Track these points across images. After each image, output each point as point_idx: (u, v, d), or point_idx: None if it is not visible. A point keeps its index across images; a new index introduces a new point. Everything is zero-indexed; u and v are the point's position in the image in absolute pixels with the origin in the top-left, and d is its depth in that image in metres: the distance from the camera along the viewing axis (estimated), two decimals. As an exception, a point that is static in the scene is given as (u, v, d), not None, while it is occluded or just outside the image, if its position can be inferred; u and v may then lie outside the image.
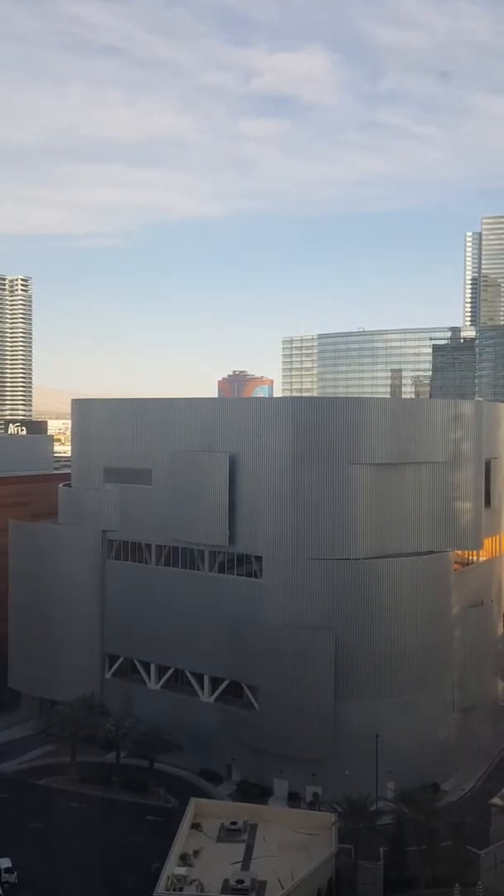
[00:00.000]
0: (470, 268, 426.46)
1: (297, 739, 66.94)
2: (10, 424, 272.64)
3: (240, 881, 50.71)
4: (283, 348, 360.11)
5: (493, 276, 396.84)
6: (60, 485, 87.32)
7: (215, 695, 73.43)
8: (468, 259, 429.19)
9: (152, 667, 77.69)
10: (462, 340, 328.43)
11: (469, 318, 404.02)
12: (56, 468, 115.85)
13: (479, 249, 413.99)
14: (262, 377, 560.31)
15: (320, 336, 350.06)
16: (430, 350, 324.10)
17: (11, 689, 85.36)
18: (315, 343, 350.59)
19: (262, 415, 71.88)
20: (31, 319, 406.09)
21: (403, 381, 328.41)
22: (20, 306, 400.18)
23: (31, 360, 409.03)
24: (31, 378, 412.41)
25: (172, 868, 51.66)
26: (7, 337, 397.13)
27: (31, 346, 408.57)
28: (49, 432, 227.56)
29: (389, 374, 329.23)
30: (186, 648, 74.36)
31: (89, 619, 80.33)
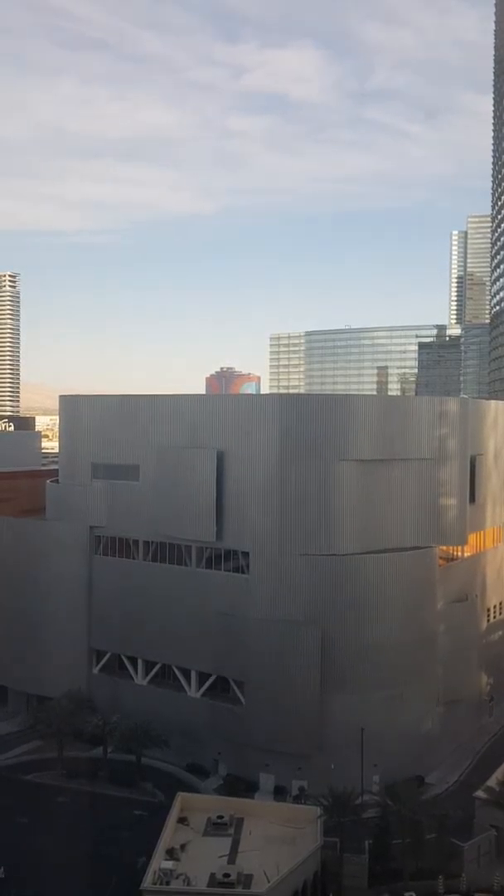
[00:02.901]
0: (456, 266, 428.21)
1: (283, 734, 67.41)
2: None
3: (226, 875, 51.01)
4: (271, 345, 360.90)
5: (478, 274, 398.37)
6: (48, 481, 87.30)
7: (202, 690, 73.76)
8: (454, 257, 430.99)
9: (139, 662, 77.94)
10: (448, 338, 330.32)
11: (455, 316, 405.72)
12: (43, 464, 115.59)
13: (465, 248, 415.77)
14: (249, 374, 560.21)
15: (307, 333, 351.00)
16: (416, 347, 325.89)
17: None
18: (302, 340, 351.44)
19: (250, 411, 72.19)
20: (18, 315, 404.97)
21: (390, 379, 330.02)
22: (8, 302, 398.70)
23: (18, 356, 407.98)
24: (18, 374, 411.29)
25: (159, 862, 51.91)
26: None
27: (18, 342, 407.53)
28: (37, 428, 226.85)
29: (376, 371, 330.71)
30: (173, 644, 74.63)
31: (76, 614, 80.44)
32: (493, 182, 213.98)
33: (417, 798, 59.02)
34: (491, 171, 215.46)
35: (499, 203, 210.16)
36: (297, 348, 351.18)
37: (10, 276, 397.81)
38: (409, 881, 54.00)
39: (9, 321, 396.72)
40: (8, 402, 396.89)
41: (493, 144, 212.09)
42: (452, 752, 74.42)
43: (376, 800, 60.66)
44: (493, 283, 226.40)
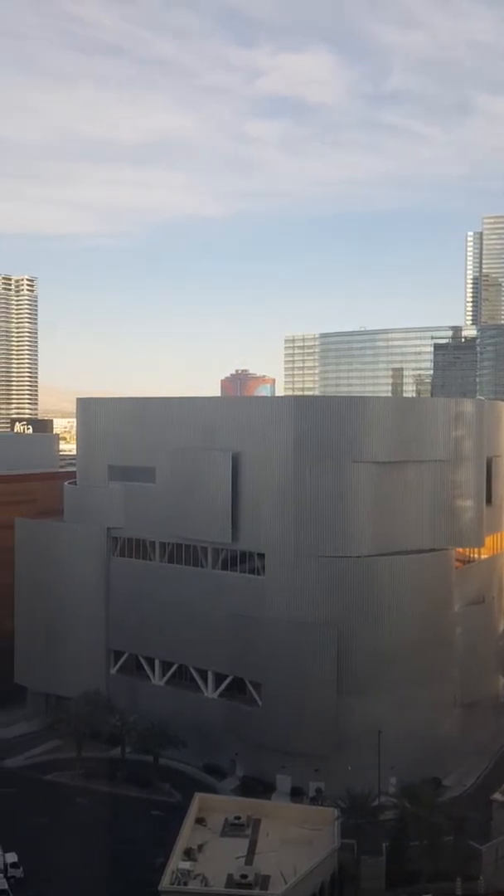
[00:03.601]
0: (471, 267, 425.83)
1: (299, 735, 67.49)
2: (16, 423, 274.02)
3: (243, 875, 51.23)
4: (286, 347, 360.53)
5: (494, 275, 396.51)
6: (66, 483, 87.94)
7: (219, 691, 74.00)
8: (469, 258, 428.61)
9: (157, 663, 78.32)
10: (463, 339, 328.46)
11: (470, 317, 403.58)
12: (61, 466, 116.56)
13: (481, 249, 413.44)
14: (264, 376, 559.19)
15: (322, 335, 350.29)
16: (431, 349, 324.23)
17: (18, 684, 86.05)
18: (317, 342, 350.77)
19: (265, 413, 72.43)
20: (36, 319, 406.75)
21: (405, 380, 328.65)
22: (26, 306, 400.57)
23: (36, 359, 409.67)
24: (36, 377, 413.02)
25: (177, 862, 52.21)
26: (13, 336, 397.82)
27: (36, 346, 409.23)
28: (54, 431, 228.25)
29: (391, 372, 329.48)
30: (190, 645, 74.93)
31: (94, 615, 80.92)
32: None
33: (435, 800, 58.94)
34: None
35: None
36: (311, 350, 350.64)
37: (28, 280, 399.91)
38: (426, 883, 53.96)
39: (27, 325, 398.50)
40: (26, 405, 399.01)
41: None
42: (470, 755, 74.14)
43: (393, 802, 60.60)
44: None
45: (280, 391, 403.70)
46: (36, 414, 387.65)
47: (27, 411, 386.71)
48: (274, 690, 69.13)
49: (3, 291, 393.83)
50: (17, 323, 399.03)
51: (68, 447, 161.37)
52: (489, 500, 76.75)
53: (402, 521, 70.67)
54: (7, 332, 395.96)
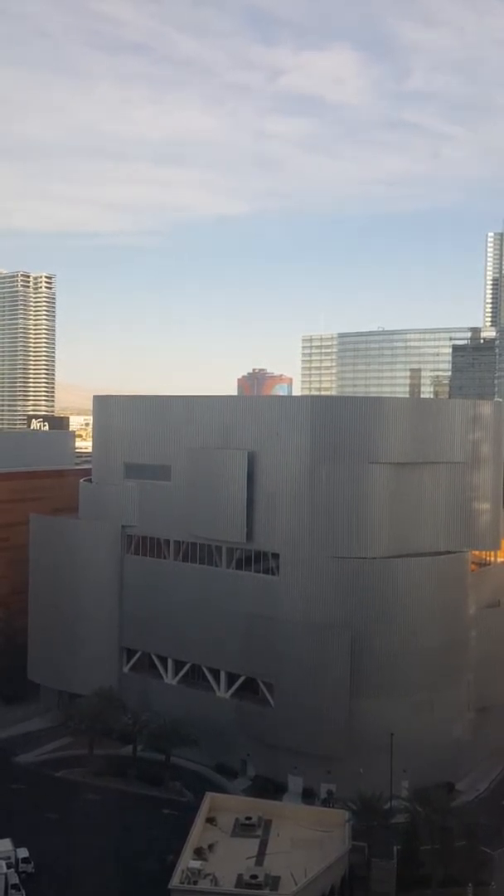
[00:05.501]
0: (491, 268, 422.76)
1: (311, 736, 67.23)
2: (33, 420, 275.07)
3: (253, 876, 51.10)
4: (303, 347, 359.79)
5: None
6: (81, 480, 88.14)
7: (231, 690, 73.88)
8: (489, 259, 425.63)
9: (169, 661, 78.31)
10: (482, 341, 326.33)
11: (489, 319, 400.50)
12: (77, 463, 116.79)
13: (501, 249, 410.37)
14: (281, 375, 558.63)
15: (340, 335, 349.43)
16: (449, 350, 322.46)
17: (31, 680, 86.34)
18: (335, 342, 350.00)
19: (281, 413, 72.20)
20: (54, 316, 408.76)
21: (423, 381, 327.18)
22: (44, 303, 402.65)
23: (53, 357, 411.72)
24: (53, 374, 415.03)
25: (187, 861, 52.14)
26: (30, 333, 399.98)
27: (53, 343, 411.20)
28: (71, 428, 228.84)
29: (409, 373, 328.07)
30: (203, 644, 74.85)
31: (108, 613, 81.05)
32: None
33: (447, 804, 58.46)
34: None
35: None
36: (329, 350, 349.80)
37: (46, 277, 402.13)
38: (437, 888, 53.57)
39: (44, 322, 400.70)
40: (43, 402, 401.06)
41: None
42: (483, 759, 73.63)
43: (405, 805, 60.17)
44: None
45: (297, 391, 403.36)
46: (52, 411, 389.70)
47: (43, 408, 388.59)
48: (286, 691, 68.91)
49: (21, 289, 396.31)
50: (35, 320, 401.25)
51: (84, 444, 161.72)
52: (506, 503, 76.06)
53: (418, 522, 70.25)
54: (25, 329, 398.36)
